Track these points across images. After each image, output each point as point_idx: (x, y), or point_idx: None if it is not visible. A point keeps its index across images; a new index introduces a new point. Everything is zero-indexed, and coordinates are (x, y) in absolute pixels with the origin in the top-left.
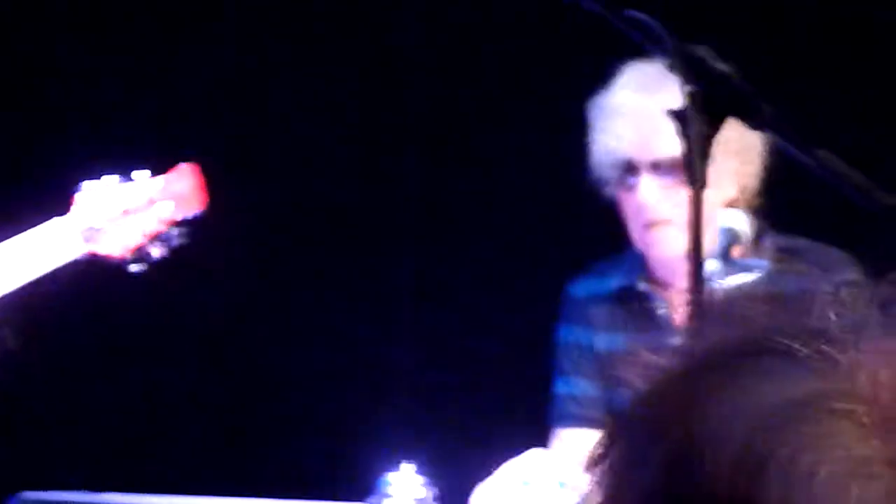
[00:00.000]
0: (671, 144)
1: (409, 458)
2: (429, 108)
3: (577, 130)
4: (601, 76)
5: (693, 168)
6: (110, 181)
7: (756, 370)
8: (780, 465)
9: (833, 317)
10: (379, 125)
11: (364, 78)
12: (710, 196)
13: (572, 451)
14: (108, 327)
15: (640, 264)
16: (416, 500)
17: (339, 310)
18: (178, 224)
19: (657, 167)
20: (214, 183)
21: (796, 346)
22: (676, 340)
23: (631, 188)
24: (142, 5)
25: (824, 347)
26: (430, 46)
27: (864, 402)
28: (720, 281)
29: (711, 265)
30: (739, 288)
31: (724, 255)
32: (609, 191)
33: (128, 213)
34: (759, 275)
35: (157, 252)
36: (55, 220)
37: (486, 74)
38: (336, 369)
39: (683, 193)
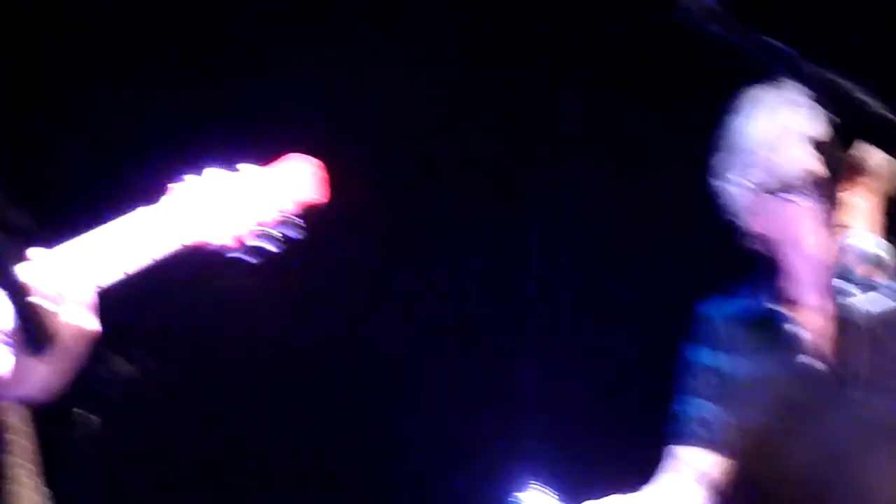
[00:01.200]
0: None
1: (539, 477)
2: (576, 123)
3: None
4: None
5: (830, 191)
6: (213, 172)
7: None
8: None
9: None
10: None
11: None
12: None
13: (686, 469)
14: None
15: (773, 285)
16: None
17: (467, 329)
18: (297, 216)
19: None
20: (335, 176)
21: None
22: (810, 361)
23: (808, 200)
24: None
25: None
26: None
27: None
28: (849, 300)
29: (839, 284)
30: (863, 310)
31: (853, 275)
32: (758, 210)
33: (239, 202)
34: (889, 294)
35: (272, 244)
36: (147, 208)
37: (630, 95)
38: (466, 391)
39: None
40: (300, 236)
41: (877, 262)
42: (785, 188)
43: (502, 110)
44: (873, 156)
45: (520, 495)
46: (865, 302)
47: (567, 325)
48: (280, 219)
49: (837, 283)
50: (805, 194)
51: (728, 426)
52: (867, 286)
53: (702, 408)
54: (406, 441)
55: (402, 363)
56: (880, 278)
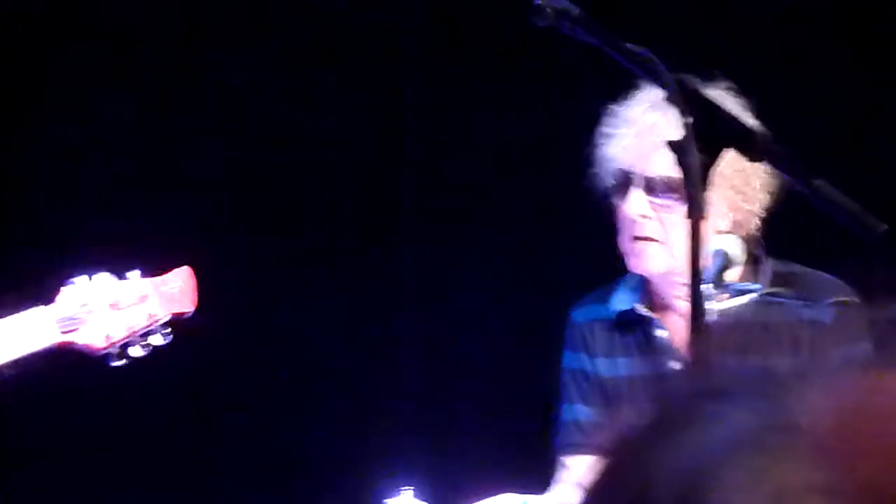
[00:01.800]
0: (668, 165)
1: (408, 483)
2: (428, 136)
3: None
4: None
5: (692, 198)
6: (101, 278)
7: (703, 415)
8: None
9: (784, 359)
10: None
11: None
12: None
13: (577, 477)
14: (82, 415)
15: (640, 289)
16: None
17: (339, 339)
18: (166, 324)
19: (651, 184)
20: (207, 286)
21: (742, 388)
22: (676, 364)
23: (625, 200)
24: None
25: (770, 388)
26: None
27: (801, 434)
28: (712, 304)
29: (704, 288)
30: (727, 314)
31: (717, 279)
32: (607, 201)
33: (114, 307)
34: (751, 299)
35: (140, 349)
36: (37, 308)
37: (499, 98)
38: (337, 397)
39: (675, 216)
40: (165, 343)
41: (738, 265)
42: (644, 180)
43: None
44: (732, 158)
45: (390, 501)
46: (727, 305)
47: (440, 332)
48: (149, 325)
49: (703, 287)
50: (662, 191)
51: (603, 429)
52: (730, 289)
53: (578, 412)
54: (273, 449)
55: (269, 376)
56: (748, 281)
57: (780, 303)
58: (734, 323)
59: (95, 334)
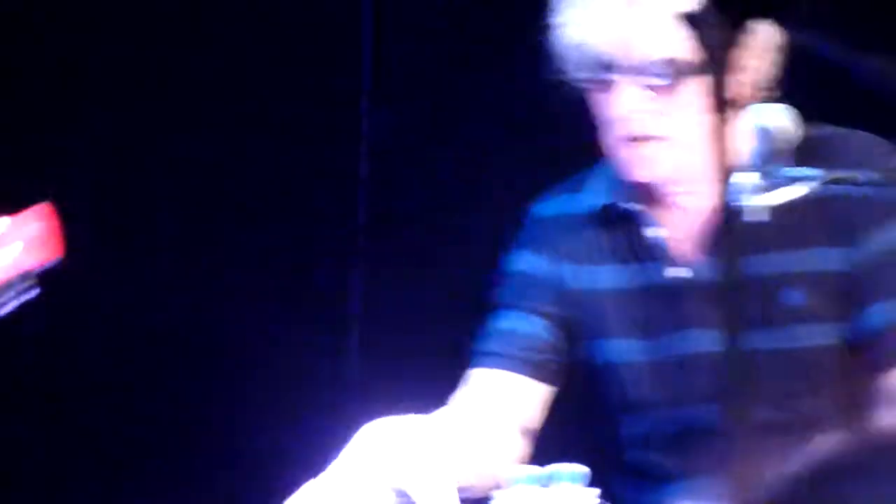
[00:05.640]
0: (659, 44)
1: None
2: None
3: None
4: None
5: (717, 86)
6: None
7: None
8: None
9: None
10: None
11: None
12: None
13: (479, 396)
14: None
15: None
16: None
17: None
18: (27, 274)
19: (644, 70)
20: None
21: None
22: (675, 272)
23: (608, 87)
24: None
25: None
26: None
27: None
28: (759, 198)
29: (746, 179)
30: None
31: (765, 165)
32: (579, 86)
33: None
34: (811, 190)
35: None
36: None
37: None
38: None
39: (678, 103)
40: (30, 296)
41: (790, 141)
42: (632, 67)
43: None
44: (759, 28)
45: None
46: (779, 197)
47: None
48: (12, 278)
49: (739, 177)
50: (656, 76)
51: (556, 345)
52: (781, 177)
53: (516, 321)
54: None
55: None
56: (785, 163)
57: (841, 192)
58: (782, 217)
59: None
